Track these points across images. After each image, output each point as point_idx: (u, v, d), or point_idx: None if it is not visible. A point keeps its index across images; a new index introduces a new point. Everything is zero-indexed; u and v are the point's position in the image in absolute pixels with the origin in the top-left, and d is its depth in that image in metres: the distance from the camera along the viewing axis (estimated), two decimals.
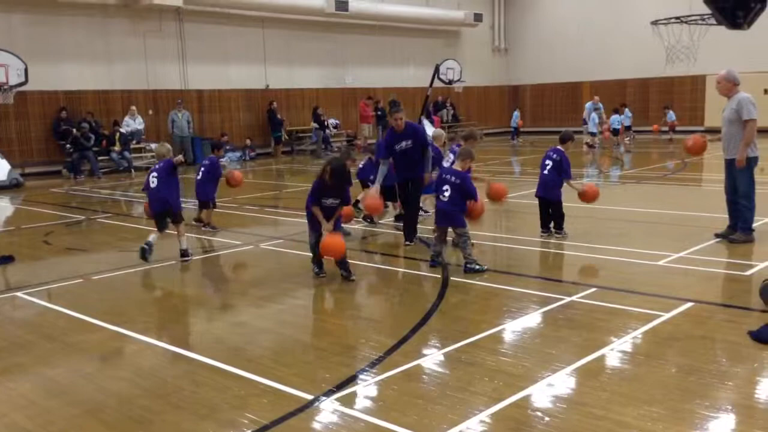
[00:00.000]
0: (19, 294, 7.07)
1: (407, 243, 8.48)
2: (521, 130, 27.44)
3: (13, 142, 18.93)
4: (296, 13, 24.29)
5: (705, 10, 18.90)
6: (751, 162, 7.94)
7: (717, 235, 8.27)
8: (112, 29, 20.61)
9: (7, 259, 8.53)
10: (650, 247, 8.01)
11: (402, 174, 8.49)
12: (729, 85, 7.94)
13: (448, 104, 29.27)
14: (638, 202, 11.60)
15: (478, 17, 30.04)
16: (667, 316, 5.59)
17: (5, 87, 16.89)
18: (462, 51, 30.45)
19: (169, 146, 9.10)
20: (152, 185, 8.35)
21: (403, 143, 8.19)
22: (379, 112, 25.56)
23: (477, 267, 7.18)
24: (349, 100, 26.50)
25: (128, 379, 4.71)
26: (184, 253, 8.43)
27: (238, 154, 22.62)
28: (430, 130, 27.19)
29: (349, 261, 7.22)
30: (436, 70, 26.67)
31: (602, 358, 4.80)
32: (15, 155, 18.59)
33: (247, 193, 14.00)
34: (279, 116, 23.52)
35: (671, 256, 7.57)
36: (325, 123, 24.32)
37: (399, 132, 8.23)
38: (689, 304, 5.89)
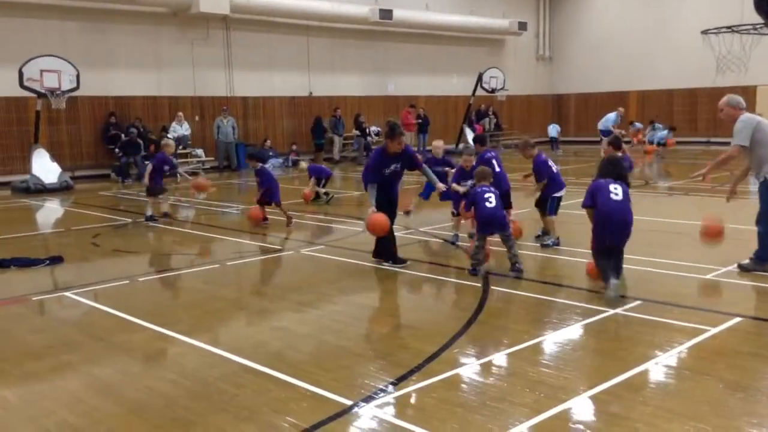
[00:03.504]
0: (67, 294, 7.25)
1: (403, 263, 8.06)
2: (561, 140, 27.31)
3: (64, 146, 19.45)
4: (341, 21, 24.50)
5: (757, 19, 18.50)
6: None
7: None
8: (161, 37, 21.08)
9: (57, 260, 8.75)
10: (698, 260, 7.83)
11: (385, 194, 8.06)
12: (731, 111, 7.39)
13: (490, 113, 29.15)
14: (685, 214, 11.36)
15: (522, 26, 29.86)
16: (714, 330, 5.46)
17: (58, 92, 17.38)
18: (505, 59, 30.30)
19: None
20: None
21: (393, 166, 7.99)
22: (420, 120, 25.62)
23: (519, 265, 7.40)
24: (392, 107, 26.57)
25: (172, 380, 4.79)
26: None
27: (280, 160, 22.85)
28: (472, 138, 27.19)
29: (387, 266, 7.22)
30: (479, 78, 26.62)
31: (646, 372, 4.71)
32: (66, 158, 19.10)
33: (289, 199, 14.12)
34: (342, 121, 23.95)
35: (720, 269, 7.40)
36: (367, 131, 24.45)
37: (393, 155, 7.96)
38: (737, 320, 5.75)
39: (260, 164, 11.77)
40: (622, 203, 6.49)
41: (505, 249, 7.57)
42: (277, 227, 11.11)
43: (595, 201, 6.57)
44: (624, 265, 7.40)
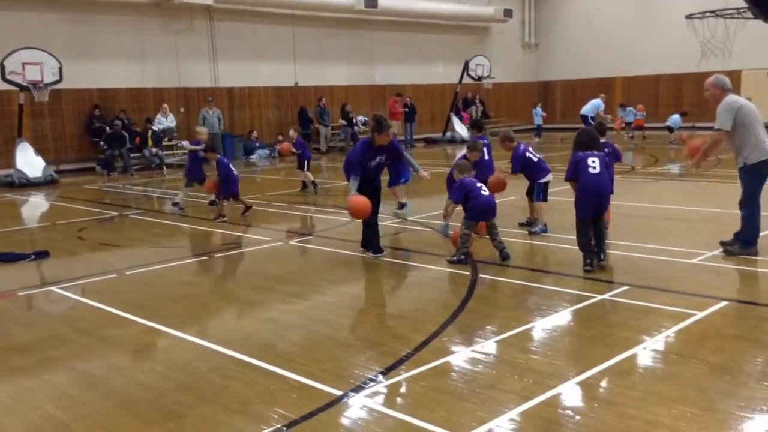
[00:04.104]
0: (54, 288, 7.20)
1: (378, 255, 7.96)
2: (543, 125, 27.23)
3: (47, 140, 19.27)
4: (326, 10, 24.38)
5: (741, 3, 18.57)
6: (760, 167, 7.16)
7: (722, 243, 7.56)
8: (145, 28, 20.88)
9: (42, 254, 8.69)
10: (684, 244, 7.89)
11: (369, 185, 7.97)
12: (717, 91, 7.32)
13: (477, 101, 29.12)
14: (671, 199, 11.42)
15: (508, 13, 29.82)
16: (700, 314, 5.50)
17: (40, 85, 17.19)
18: (491, 47, 30.26)
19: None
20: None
21: (378, 158, 7.95)
22: (407, 109, 25.57)
23: (507, 251, 7.52)
24: (378, 97, 26.51)
25: (160, 373, 4.77)
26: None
27: (267, 151, 22.74)
28: (459, 126, 27.18)
29: (381, 258, 7.21)
30: (465, 66, 26.60)
31: (634, 357, 4.74)
32: (50, 152, 18.92)
33: (276, 190, 14.08)
34: (328, 110, 23.83)
35: (705, 254, 7.44)
36: (354, 120, 24.36)
37: (378, 147, 7.91)
38: (723, 303, 5.79)
39: (218, 155, 11.66)
40: (599, 175, 6.91)
41: (489, 237, 7.67)
42: (264, 218, 11.07)
43: (576, 174, 6.98)
44: (611, 251, 7.47)
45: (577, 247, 7.07)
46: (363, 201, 7.62)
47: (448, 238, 8.88)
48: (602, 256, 7.01)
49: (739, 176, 7.33)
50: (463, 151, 10.02)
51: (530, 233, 8.86)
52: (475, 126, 10.83)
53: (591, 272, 6.83)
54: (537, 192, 8.96)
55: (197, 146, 12.11)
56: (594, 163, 6.91)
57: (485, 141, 9.88)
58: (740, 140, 7.13)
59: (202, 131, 12.98)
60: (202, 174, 12.07)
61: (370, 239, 8.06)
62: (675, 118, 22.72)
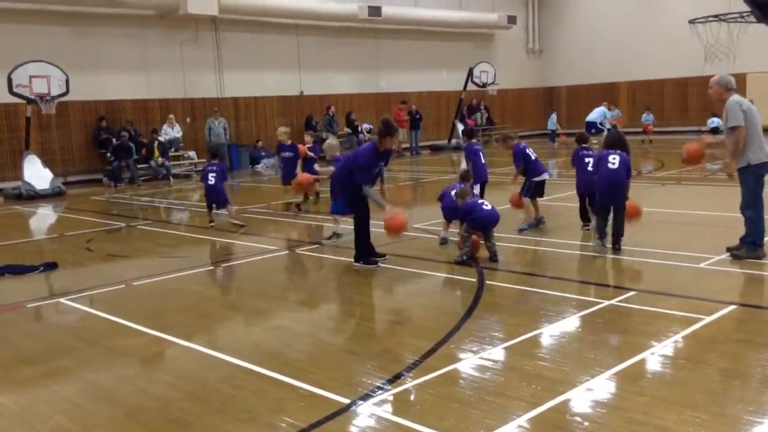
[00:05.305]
0: (62, 300, 7.22)
1: (370, 265, 7.88)
2: (558, 132, 27.27)
3: (55, 152, 19.37)
4: (330, 19, 24.46)
5: (744, 7, 18.56)
6: (761, 169, 7.21)
7: (728, 249, 7.58)
8: (150, 39, 20.99)
9: (51, 266, 8.72)
10: (691, 249, 7.86)
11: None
12: (720, 90, 7.33)
13: (482, 107, 29.14)
14: (678, 203, 11.39)
15: (511, 19, 29.86)
16: (708, 319, 5.49)
17: (47, 98, 17.28)
18: (496, 53, 30.30)
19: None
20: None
21: (380, 164, 7.95)
22: (417, 116, 25.62)
23: (497, 256, 7.78)
24: (383, 104, 26.54)
25: (169, 383, 4.78)
26: None
27: (272, 160, 22.77)
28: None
29: (384, 265, 7.23)
30: (470, 73, 26.62)
31: (642, 362, 4.73)
32: (57, 164, 19.00)
33: (282, 199, 14.10)
34: (335, 118, 23.78)
35: (713, 258, 7.42)
36: (359, 128, 24.39)
37: (382, 152, 7.86)
38: (732, 307, 5.78)
39: (214, 161, 11.63)
40: (617, 171, 7.85)
41: (484, 239, 7.90)
42: (270, 227, 11.08)
43: (598, 168, 8.01)
44: (618, 256, 7.48)
45: (589, 249, 7.77)
46: (404, 219, 7.83)
47: (445, 244, 8.83)
48: (616, 245, 7.85)
49: (741, 178, 7.32)
50: (463, 161, 10.48)
51: (519, 230, 9.19)
52: (465, 134, 11.52)
53: (598, 248, 7.83)
54: (527, 189, 9.39)
55: (287, 152, 12.57)
56: (614, 160, 7.88)
57: (478, 147, 10.36)
58: (745, 140, 7.14)
59: (282, 132, 13.02)
60: (293, 174, 12.48)
61: (366, 247, 8.02)
62: (718, 120, 22.87)
